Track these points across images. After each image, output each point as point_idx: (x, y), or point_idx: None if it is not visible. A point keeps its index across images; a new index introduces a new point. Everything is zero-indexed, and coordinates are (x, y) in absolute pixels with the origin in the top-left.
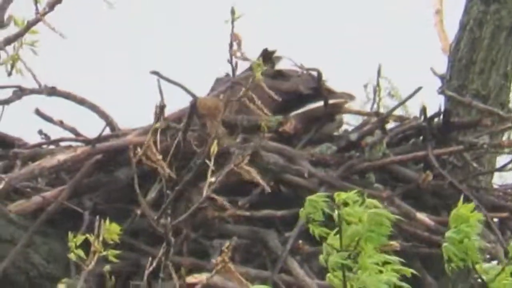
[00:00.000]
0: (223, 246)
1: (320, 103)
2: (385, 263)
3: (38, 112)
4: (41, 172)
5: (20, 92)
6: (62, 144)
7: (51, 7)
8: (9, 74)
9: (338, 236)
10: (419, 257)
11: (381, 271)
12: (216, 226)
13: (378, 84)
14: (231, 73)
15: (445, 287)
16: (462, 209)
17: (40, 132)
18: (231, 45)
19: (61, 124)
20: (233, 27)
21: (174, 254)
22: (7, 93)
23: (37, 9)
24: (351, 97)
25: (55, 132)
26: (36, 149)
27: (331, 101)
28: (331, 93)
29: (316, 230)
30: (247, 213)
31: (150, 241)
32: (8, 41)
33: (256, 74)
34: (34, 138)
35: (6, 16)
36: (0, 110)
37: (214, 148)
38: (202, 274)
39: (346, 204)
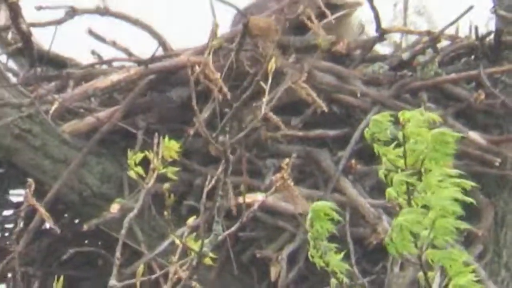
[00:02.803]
0: (276, 166)
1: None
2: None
3: (90, 32)
4: (94, 92)
5: (73, 12)
6: (115, 64)
7: None
8: None
9: (401, 154)
10: (471, 176)
11: (444, 187)
12: (269, 146)
13: (406, 2)
14: None
15: (497, 205)
16: None
17: (93, 52)
18: None
19: (114, 44)
20: None
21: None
22: (60, 13)
23: None
24: (359, 4)
25: (108, 53)
26: (89, 69)
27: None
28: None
29: (381, 150)
30: (300, 133)
31: (203, 161)
32: None
33: None
34: (86, 58)
35: None
36: (53, 30)
37: (271, 66)
38: (256, 194)
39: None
